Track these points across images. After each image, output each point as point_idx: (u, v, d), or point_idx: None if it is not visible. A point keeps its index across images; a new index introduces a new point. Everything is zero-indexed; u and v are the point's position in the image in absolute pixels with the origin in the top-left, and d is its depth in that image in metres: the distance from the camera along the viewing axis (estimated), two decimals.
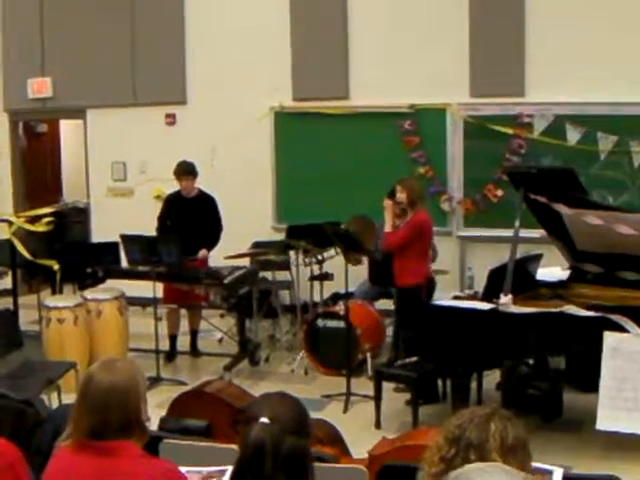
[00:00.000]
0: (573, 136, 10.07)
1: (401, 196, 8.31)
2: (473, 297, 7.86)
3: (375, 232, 9.27)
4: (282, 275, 10.54)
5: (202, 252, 9.48)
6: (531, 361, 7.94)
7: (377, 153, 10.75)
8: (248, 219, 10.79)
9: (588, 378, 7.10)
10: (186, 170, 9.57)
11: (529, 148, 10.26)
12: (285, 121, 11.27)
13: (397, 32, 10.70)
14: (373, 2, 10.85)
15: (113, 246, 9.65)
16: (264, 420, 2.69)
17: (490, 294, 7.08)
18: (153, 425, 3.40)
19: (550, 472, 3.69)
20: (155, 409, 3.58)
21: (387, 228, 8.34)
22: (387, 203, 8.38)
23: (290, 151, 11.26)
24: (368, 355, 8.97)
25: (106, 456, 3.03)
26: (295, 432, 2.71)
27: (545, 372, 7.88)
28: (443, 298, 7.82)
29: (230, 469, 2.84)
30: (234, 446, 2.84)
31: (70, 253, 9.94)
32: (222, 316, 10.54)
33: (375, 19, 10.81)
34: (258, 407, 2.78)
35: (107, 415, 3.05)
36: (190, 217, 9.50)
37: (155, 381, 8.56)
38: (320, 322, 9.15)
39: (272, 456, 2.65)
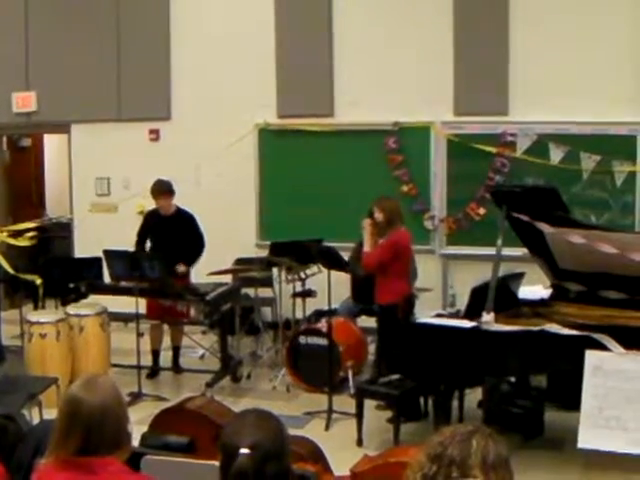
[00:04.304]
0: (556, 155, 10.12)
1: (379, 216, 8.33)
2: (455, 315, 7.86)
3: None
4: (265, 292, 10.52)
5: (179, 266, 9.39)
6: (513, 379, 7.96)
7: (361, 171, 10.78)
8: (232, 236, 10.79)
9: (570, 396, 7.08)
10: (161, 189, 9.50)
11: (512, 167, 10.31)
12: (269, 138, 11.29)
13: (382, 50, 10.75)
14: (359, 20, 10.89)
15: (96, 261, 9.62)
16: (245, 451, 2.68)
17: (472, 312, 7.09)
18: (134, 441, 3.39)
19: None
20: (136, 425, 3.57)
21: (366, 248, 8.34)
22: (366, 223, 8.37)
23: (274, 168, 11.27)
24: (350, 372, 8.96)
25: (90, 473, 3.03)
26: (276, 456, 2.72)
27: (527, 390, 7.90)
28: (425, 316, 7.82)
29: None
30: (216, 462, 2.83)
31: (53, 268, 9.91)
32: (204, 333, 10.52)
33: (360, 37, 10.86)
34: (237, 436, 2.75)
35: (102, 433, 3.07)
36: (168, 235, 9.45)
37: (137, 397, 8.54)
38: (302, 339, 9.14)
39: None
